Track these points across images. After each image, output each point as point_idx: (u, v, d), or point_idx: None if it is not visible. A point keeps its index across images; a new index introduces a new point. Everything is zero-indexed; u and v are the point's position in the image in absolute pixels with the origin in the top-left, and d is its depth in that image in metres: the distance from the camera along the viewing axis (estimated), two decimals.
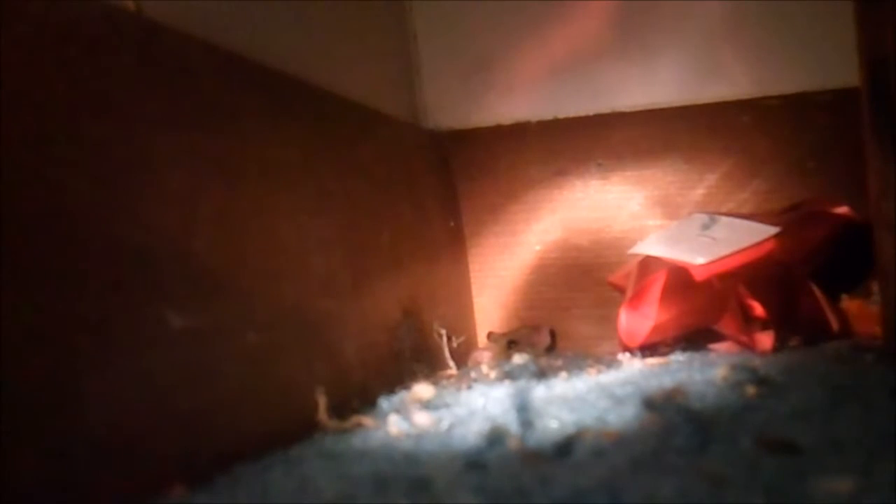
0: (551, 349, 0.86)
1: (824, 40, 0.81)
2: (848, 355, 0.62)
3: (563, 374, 0.63)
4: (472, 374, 0.72)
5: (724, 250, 0.68)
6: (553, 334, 0.87)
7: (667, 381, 0.55)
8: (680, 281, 0.71)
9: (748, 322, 0.70)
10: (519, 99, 0.91)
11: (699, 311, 0.72)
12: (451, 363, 0.78)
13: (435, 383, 0.64)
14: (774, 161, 0.83)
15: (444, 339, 0.79)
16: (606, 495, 0.31)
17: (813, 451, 0.35)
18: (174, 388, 0.42)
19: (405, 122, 0.89)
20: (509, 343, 0.84)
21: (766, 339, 0.69)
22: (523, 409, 0.46)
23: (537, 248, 0.90)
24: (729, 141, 0.84)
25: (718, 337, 0.73)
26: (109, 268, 0.39)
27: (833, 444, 0.36)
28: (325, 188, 0.62)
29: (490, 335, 0.88)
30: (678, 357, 0.70)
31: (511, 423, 0.45)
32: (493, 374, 0.69)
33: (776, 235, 0.68)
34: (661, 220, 0.86)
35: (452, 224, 0.90)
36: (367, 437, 0.49)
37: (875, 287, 0.66)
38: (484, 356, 0.82)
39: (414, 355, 0.72)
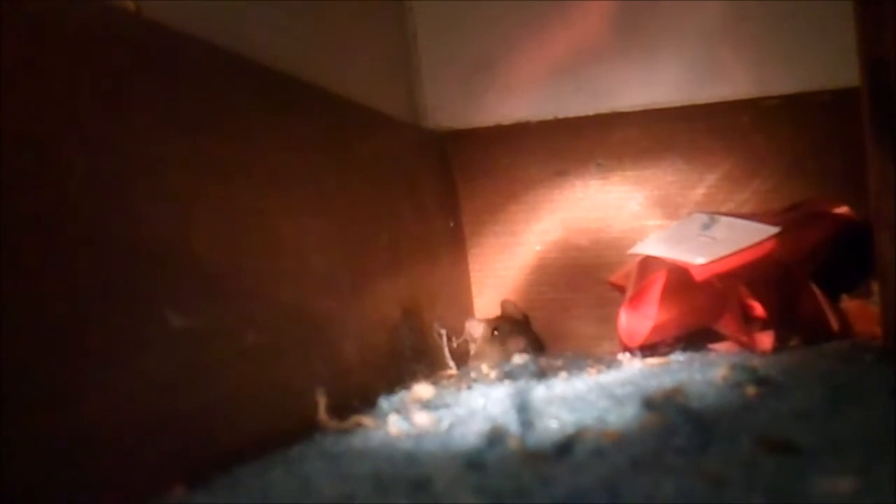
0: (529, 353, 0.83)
1: (824, 40, 0.81)
2: (848, 355, 0.62)
3: (563, 374, 0.63)
4: (472, 374, 0.72)
5: (724, 250, 0.68)
6: (536, 341, 0.84)
7: (667, 381, 0.55)
8: (680, 281, 0.71)
9: (748, 322, 0.70)
10: (519, 99, 0.91)
11: (699, 311, 0.72)
12: (451, 363, 0.78)
13: (435, 383, 0.64)
14: (774, 161, 0.83)
15: (444, 339, 0.78)
16: (606, 495, 0.31)
17: (813, 451, 0.35)
18: (174, 387, 0.42)
19: (405, 122, 0.89)
20: (493, 330, 0.82)
21: (766, 339, 0.69)
22: (523, 409, 0.46)
23: (537, 248, 0.90)
24: (729, 141, 0.84)
25: (718, 337, 0.73)
26: (109, 268, 0.39)
27: (833, 444, 0.36)
28: (325, 188, 0.62)
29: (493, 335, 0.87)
30: (678, 357, 0.70)
31: (511, 423, 0.45)
32: (493, 374, 0.69)
33: (776, 235, 0.68)
34: (661, 220, 0.86)
35: (452, 224, 0.90)
36: (367, 437, 0.49)
37: (875, 287, 0.66)
38: (475, 327, 0.81)
39: (414, 355, 0.72)
